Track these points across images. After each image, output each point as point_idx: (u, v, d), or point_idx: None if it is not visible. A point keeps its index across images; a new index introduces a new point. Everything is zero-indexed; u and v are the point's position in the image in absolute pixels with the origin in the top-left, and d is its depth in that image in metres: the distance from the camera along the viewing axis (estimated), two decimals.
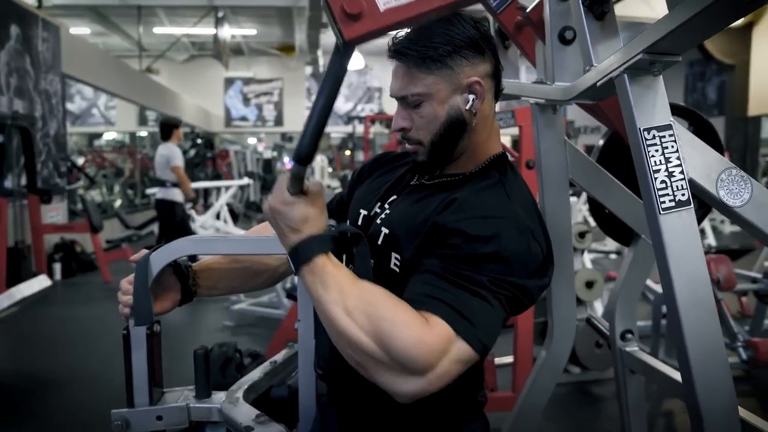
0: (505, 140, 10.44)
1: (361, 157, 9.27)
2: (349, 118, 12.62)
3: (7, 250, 4.79)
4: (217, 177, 9.63)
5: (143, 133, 13.97)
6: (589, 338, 2.89)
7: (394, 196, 1.00)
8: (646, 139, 0.84)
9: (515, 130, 2.22)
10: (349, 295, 0.76)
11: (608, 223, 1.43)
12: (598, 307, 3.52)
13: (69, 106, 9.57)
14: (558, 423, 2.61)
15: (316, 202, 0.82)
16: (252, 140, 16.46)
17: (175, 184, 5.09)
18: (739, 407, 0.85)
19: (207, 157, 9.75)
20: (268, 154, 13.96)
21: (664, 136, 0.84)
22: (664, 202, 0.83)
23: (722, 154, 0.92)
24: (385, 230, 0.93)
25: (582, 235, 3.20)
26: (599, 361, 2.98)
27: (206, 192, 8.70)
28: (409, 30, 0.91)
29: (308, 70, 14.20)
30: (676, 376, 1.16)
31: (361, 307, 0.75)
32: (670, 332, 3.08)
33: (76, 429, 2.57)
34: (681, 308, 0.82)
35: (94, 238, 5.72)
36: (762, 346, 2.53)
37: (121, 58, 9.83)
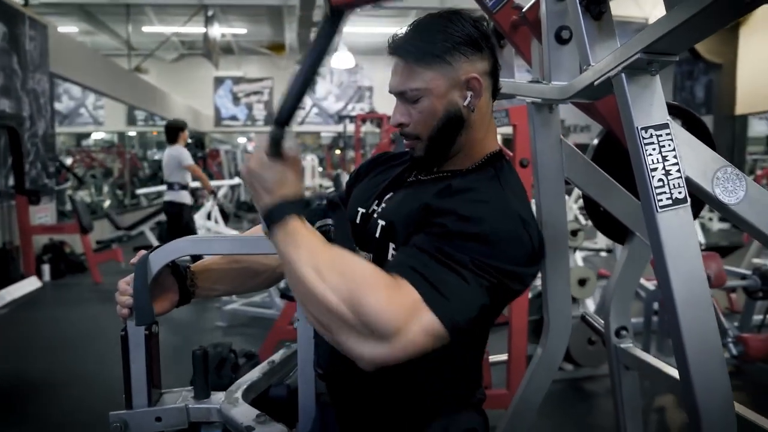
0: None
1: (351, 156, 9.27)
2: (339, 117, 12.61)
3: None
4: (208, 177, 9.57)
5: (132, 133, 13.86)
6: (581, 335, 2.91)
7: (391, 193, 1.01)
8: (644, 138, 0.85)
9: (506, 129, 2.23)
10: (320, 256, 0.75)
11: (603, 221, 1.44)
12: (590, 305, 3.55)
13: (57, 105, 9.45)
14: (553, 419, 2.63)
15: (293, 167, 0.82)
16: (242, 140, 16.38)
17: (183, 187, 5.08)
18: None
19: (197, 157, 9.66)
20: None
21: (661, 135, 0.85)
22: (661, 200, 0.84)
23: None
24: (381, 222, 0.94)
25: (574, 233, 3.22)
26: (592, 358, 3.01)
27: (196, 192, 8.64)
28: (408, 27, 0.92)
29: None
30: (670, 371, 1.18)
31: (332, 268, 0.74)
32: (668, 329, 3.11)
33: (76, 429, 2.56)
34: (678, 305, 0.83)
35: (83, 239, 5.67)
36: (752, 341, 2.56)
37: (109, 57, 9.73)
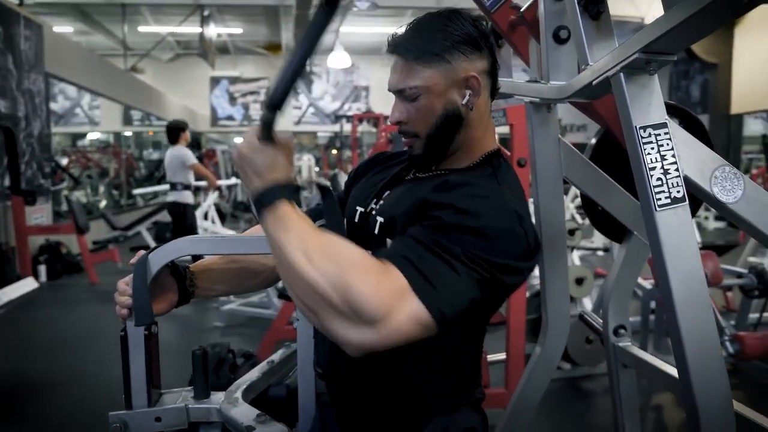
0: None
1: (348, 156, 9.26)
2: (336, 117, 12.60)
3: None
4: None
5: (128, 133, 13.82)
6: (579, 334, 2.92)
7: (389, 191, 1.01)
8: (642, 137, 0.85)
9: (503, 129, 2.23)
10: (309, 240, 0.75)
11: (601, 220, 1.45)
12: (587, 304, 3.56)
13: (52, 105, 9.42)
14: (551, 418, 2.63)
15: (284, 151, 0.82)
16: (238, 140, 16.37)
17: (186, 187, 5.08)
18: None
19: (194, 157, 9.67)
20: None
21: (659, 134, 0.86)
22: (660, 199, 0.84)
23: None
24: (380, 219, 0.95)
25: (571, 232, 3.23)
26: (589, 357, 3.01)
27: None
28: (408, 26, 0.93)
29: None
30: (668, 369, 1.18)
31: (321, 253, 0.73)
32: (665, 328, 3.12)
33: (76, 429, 2.56)
34: (677, 303, 0.84)
35: (80, 240, 5.65)
36: (748, 339, 2.57)
37: (105, 57, 9.70)
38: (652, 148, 0.85)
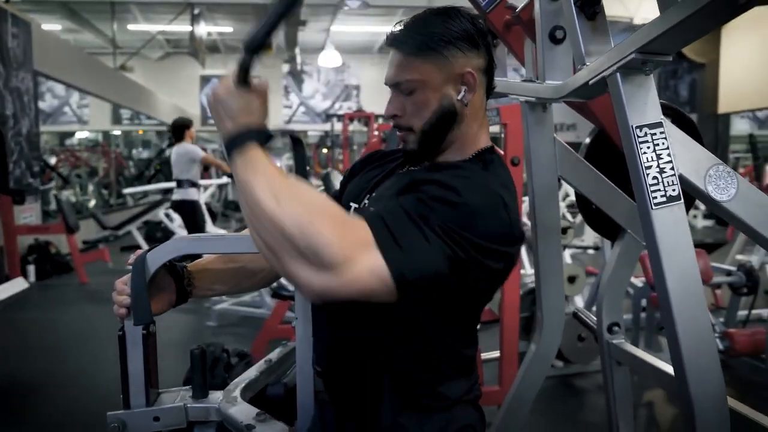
0: None
1: (339, 155, 9.25)
2: (327, 116, 12.57)
3: None
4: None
5: (117, 132, 13.71)
6: (572, 332, 2.94)
7: (382, 185, 1.02)
8: (638, 137, 0.86)
9: (493, 128, 2.24)
10: (278, 182, 0.75)
11: (595, 218, 1.46)
12: (578, 302, 3.58)
13: (40, 104, 9.33)
14: (545, 416, 2.65)
15: (259, 97, 0.82)
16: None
17: (193, 184, 5.02)
18: None
19: None
20: None
21: (655, 134, 0.87)
22: (656, 197, 0.86)
23: None
24: (372, 209, 0.95)
25: (563, 231, 3.25)
26: (582, 355, 3.04)
27: None
28: (407, 21, 0.94)
29: (285, 68, 14.09)
30: (662, 366, 1.20)
31: (289, 195, 0.74)
32: (656, 325, 3.15)
33: (76, 429, 2.54)
34: (673, 300, 0.85)
35: (70, 239, 5.61)
36: (737, 336, 2.60)
37: (94, 55, 9.62)
38: (648, 147, 0.86)
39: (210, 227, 6.78)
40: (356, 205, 1.02)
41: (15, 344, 3.82)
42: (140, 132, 13.99)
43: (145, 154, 13.90)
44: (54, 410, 2.73)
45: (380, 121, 7.04)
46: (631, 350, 1.35)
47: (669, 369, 1.13)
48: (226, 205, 10.94)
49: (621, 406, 1.42)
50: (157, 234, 7.40)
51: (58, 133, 13.50)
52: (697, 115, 10.85)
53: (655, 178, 0.86)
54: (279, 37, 11.30)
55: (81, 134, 13.84)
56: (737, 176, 0.91)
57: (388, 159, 1.11)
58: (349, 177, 1.15)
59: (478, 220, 0.79)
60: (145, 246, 6.25)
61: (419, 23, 0.93)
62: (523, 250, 4.38)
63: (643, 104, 0.87)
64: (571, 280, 3.08)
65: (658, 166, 0.86)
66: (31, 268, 5.64)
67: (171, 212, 6.10)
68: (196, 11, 9.42)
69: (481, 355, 2.63)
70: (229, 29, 12.00)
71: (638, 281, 3.20)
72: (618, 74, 0.86)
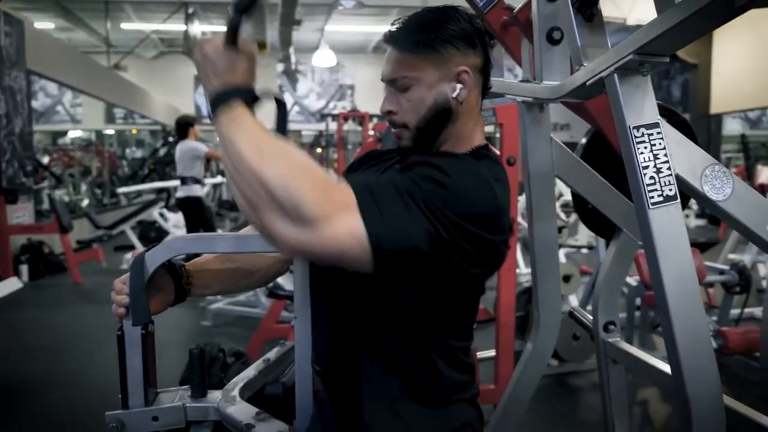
0: None
1: (333, 155, 9.24)
2: (321, 116, 12.56)
3: None
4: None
5: (110, 131, 13.65)
6: (567, 331, 2.96)
7: None
8: (636, 137, 0.87)
9: (487, 128, 2.25)
10: (263, 138, 0.75)
11: (591, 217, 1.47)
12: (573, 301, 3.60)
13: (33, 103, 9.27)
14: (541, 414, 2.66)
15: (246, 57, 0.82)
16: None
17: (197, 181, 4.99)
18: None
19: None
20: None
21: (652, 134, 0.87)
22: (653, 197, 0.86)
23: None
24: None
25: (558, 230, 3.26)
26: (577, 354, 3.05)
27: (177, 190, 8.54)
28: (405, 18, 0.95)
29: (280, 67, 14.07)
30: (658, 365, 1.21)
31: (273, 151, 0.74)
32: (651, 323, 3.17)
33: (76, 429, 2.54)
34: (669, 298, 0.86)
35: (63, 239, 5.58)
36: (731, 335, 2.61)
37: (87, 54, 9.57)
38: (645, 148, 0.87)
39: None
40: None
41: (10, 344, 3.80)
42: (134, 131, 13.93)
43: (138, 153, 13.84)
44: (52, 410, 2.72)
45: (375, 120, 7.04)
46: (627, 349, 1.36)
47: (665, 367, 1.14)
48: (221, 205, 10.91)
49: (616, 404, 1.43)
50: (151, 233, 7.37)
51: (51, 132, 13.42)
52: (689, 115, 10.91)
53: (652, 178, 0.86)
54: (273, 37, 11.29)
55: (74, 133, 13.76)
56: (732, 176, 0.92)
57: (385, 158, 1.11)
58: (346, 176, 1.16)
59: (462, 199, 0.79)
60: (139, 245, 6.24)
61: (417, 21, 0.94)
62: (519, 250, 4.40)
63: (641, 105, 0.87)
64: (566, 279, 3.09)
65: (655, 166, 0.87)
66: (24, 268, 5.60)
67: (165, 211, 6.08)
68: (190, 10, 9.38)
69: (477, 354, 2.64)
70: (223, 28, 11.92)
71: (632, 280, 3.21)
72: (615, 75, 0.87)
